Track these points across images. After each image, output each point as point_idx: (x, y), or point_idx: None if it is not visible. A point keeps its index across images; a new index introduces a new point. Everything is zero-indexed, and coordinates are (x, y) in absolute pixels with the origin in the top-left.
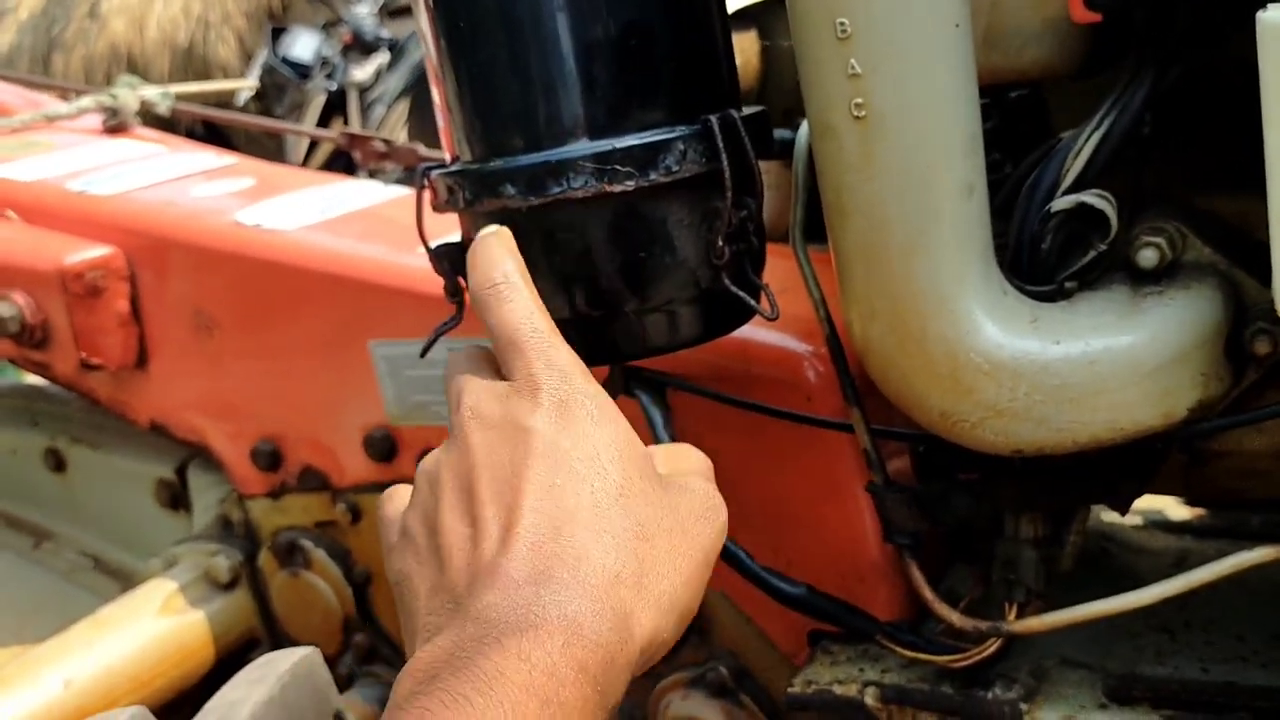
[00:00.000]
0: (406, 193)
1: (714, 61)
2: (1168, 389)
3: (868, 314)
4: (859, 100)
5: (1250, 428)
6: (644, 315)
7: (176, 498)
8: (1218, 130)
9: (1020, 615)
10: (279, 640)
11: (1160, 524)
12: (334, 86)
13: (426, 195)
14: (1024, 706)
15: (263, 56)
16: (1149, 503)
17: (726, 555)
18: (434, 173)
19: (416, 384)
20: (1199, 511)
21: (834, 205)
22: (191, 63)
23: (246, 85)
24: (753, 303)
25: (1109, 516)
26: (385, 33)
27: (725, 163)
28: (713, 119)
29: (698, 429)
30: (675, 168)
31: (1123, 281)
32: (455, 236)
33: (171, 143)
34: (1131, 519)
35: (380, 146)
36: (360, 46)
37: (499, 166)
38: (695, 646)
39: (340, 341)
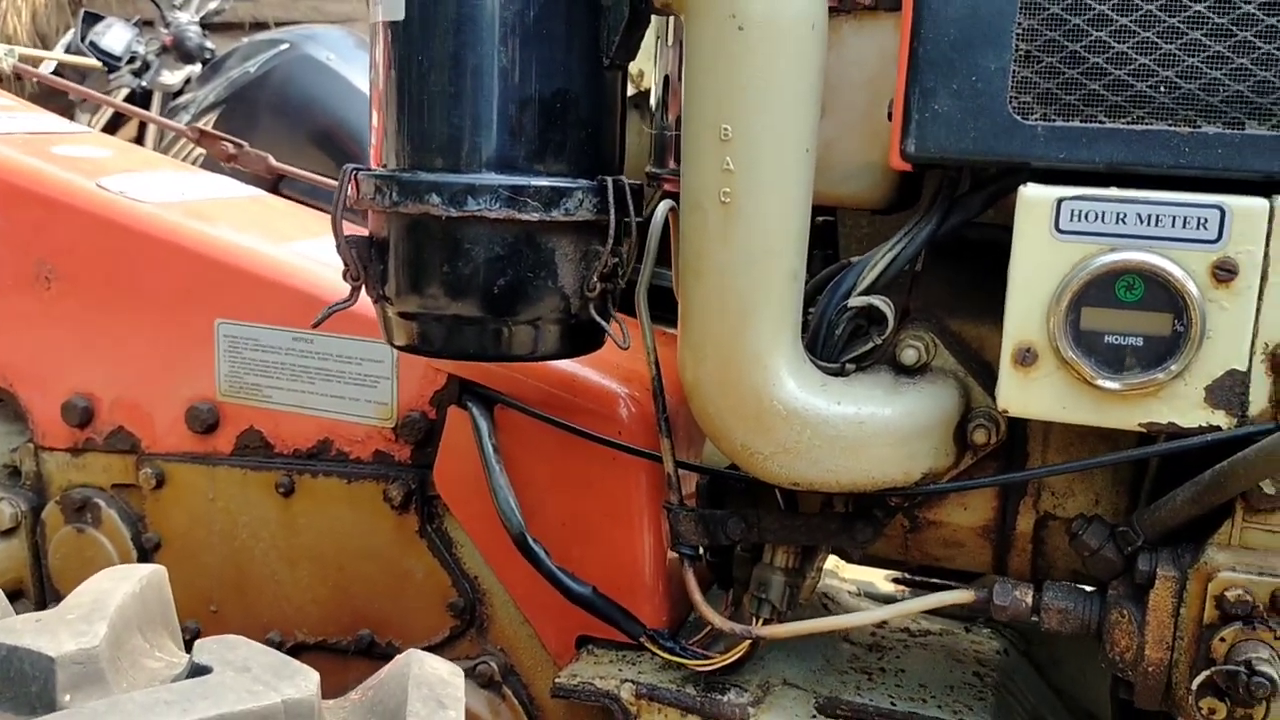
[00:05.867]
0: (259, 192)
1: (613, 136)
2: (911, 454)
3: (700, 358)
4: (727, 190)
5: (957, 505)
6: (515, 326)
7: None
8: (971, 272)
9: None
10: (45, 593)
11: (871, 593)
12: (140, 85)
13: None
14: (751, 710)
15: (68, 38)
16: (862, 574)
17: (528, 552)
18: (361, 172)
19: (254, 366)
20: (901, 588)
21: (691, 268)
22: None
23: (91, 64)
24: (612, 332)
25: (831, 581)
26: (210, 44)
27: (612, 216)
28: (608, 180)
29: (516, 445)
30: (573, 211)
31: (888, 371)
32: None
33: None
34: (848, 587)
35: (230, 148)
36: (180, 53)
37: (429, 178)
38: (471, 640)
39: (183, 314)
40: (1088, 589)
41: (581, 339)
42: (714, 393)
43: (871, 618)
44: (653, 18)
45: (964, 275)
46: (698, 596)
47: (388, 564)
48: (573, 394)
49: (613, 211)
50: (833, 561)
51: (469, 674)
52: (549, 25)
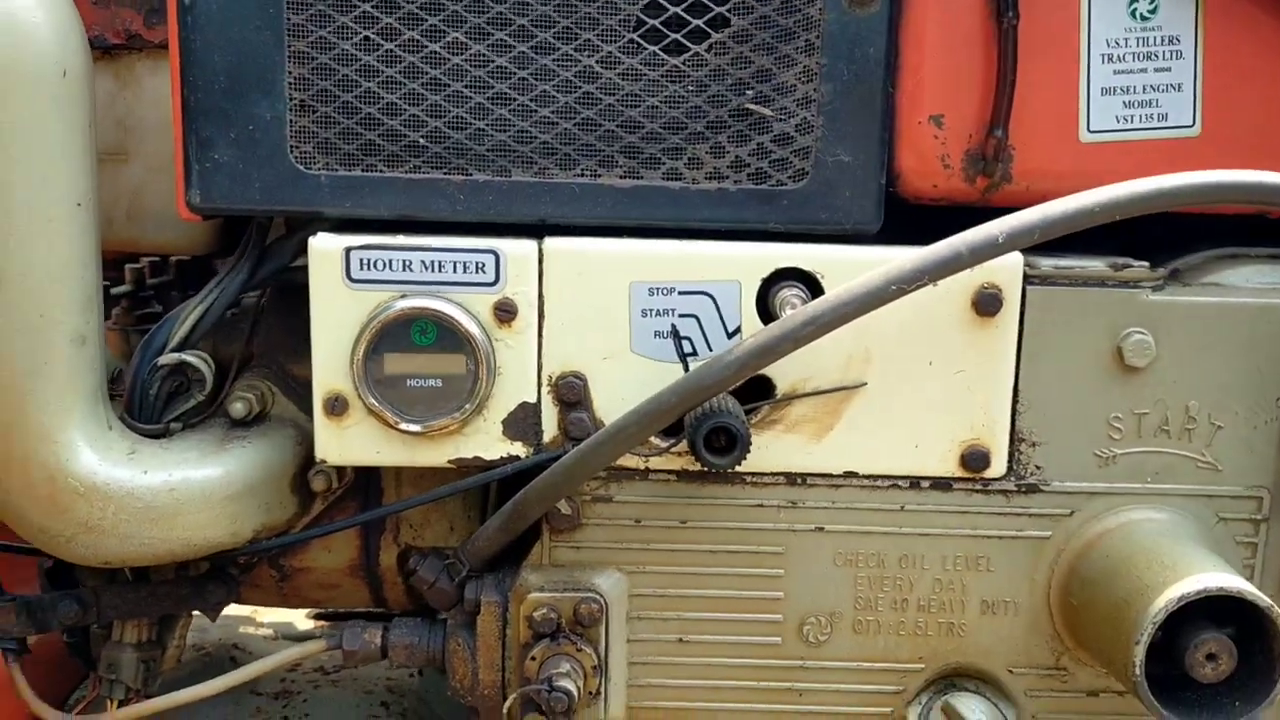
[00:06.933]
0: None
1: None
2: (235, 514)
3: None
4: None
5: (322, 549)
6: None
7: None
8: (304, 314)
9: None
10: None
11: (290, 634)
12: None
13: None
14: None
15: None
16: (279, 616)
17: None
18: None
19: None
20: (320, 623)
21: None
22: None
23: None
24: None
25: (245, 629)
26: None
27: None
28: None
29: None
30: None
31: (221, 426)
32: None
33: None
34: (265, 632)
35: None
36: None
37: None
38: None
39: None
40: (433, 621)
41: None
42: (1, 475)
43: (224, 683)
44: None
45: (305, 318)
46: (27, 694)
47: None
48: None
49: None
50: (250, 607)
51: None
52: None
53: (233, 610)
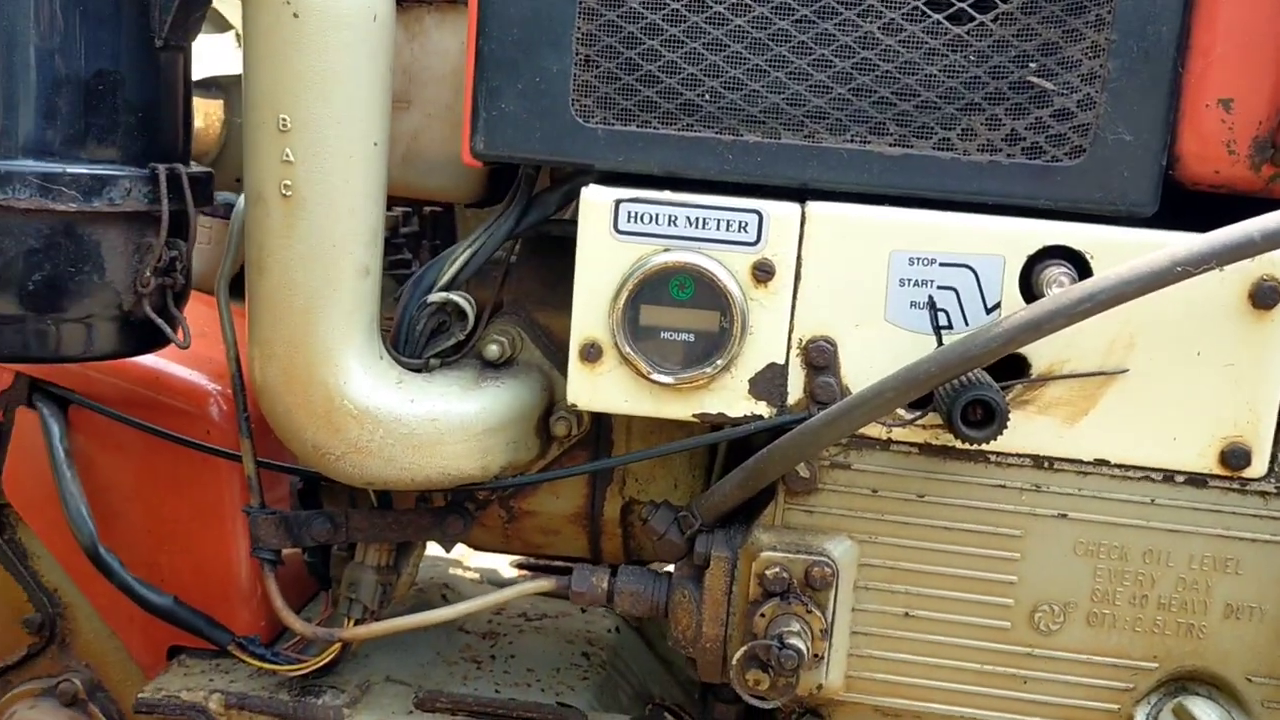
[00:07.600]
0: None
1: (172, 122)
2: (487, 449)
3: (267, 356)
4: (288, 181)
5: (550, 494)
6: (62, 324)
7: None
8: (562, 266)
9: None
10: None
11: (494, 580)
12: None
13: None
14: (346, 711)
15: None
16: (484, 562)
17: (100, 563)
18: None
19: None
20: (523, 572)
21: (255, 262)
22: None
23: None
24: (169, 331)
25: (453, 570)
26: None
27: (165, 207)
28: (161, 168)
29: (96, 447)
30: (119, 201)
31: (474, 366)
32: None
33: None
34: (470, 575)
35: None
36: None
37: None
38: (53, 657)
39: None
40: (658, 572)
41: (141, 337)
42: (282, 392)
43: (460, 611)
44: None
45: (555, 269)
46: (278, 602)
47: None
48: (157, 391)
49: (165, 202)
50: (460, 550)
51: (49, 693)
52: (90, 1)
53: (437, 552)
